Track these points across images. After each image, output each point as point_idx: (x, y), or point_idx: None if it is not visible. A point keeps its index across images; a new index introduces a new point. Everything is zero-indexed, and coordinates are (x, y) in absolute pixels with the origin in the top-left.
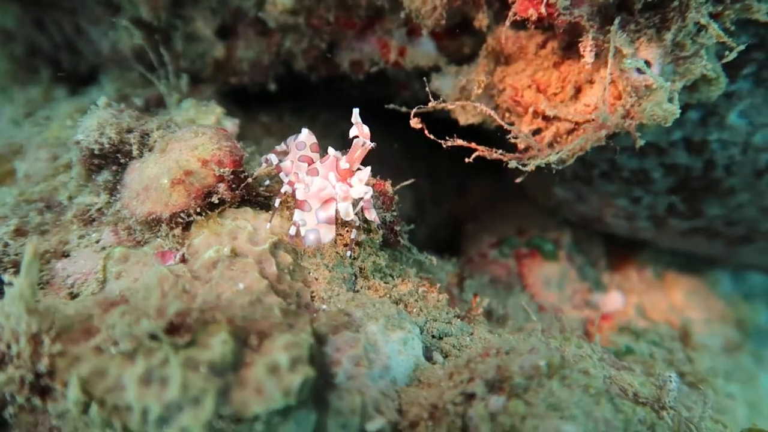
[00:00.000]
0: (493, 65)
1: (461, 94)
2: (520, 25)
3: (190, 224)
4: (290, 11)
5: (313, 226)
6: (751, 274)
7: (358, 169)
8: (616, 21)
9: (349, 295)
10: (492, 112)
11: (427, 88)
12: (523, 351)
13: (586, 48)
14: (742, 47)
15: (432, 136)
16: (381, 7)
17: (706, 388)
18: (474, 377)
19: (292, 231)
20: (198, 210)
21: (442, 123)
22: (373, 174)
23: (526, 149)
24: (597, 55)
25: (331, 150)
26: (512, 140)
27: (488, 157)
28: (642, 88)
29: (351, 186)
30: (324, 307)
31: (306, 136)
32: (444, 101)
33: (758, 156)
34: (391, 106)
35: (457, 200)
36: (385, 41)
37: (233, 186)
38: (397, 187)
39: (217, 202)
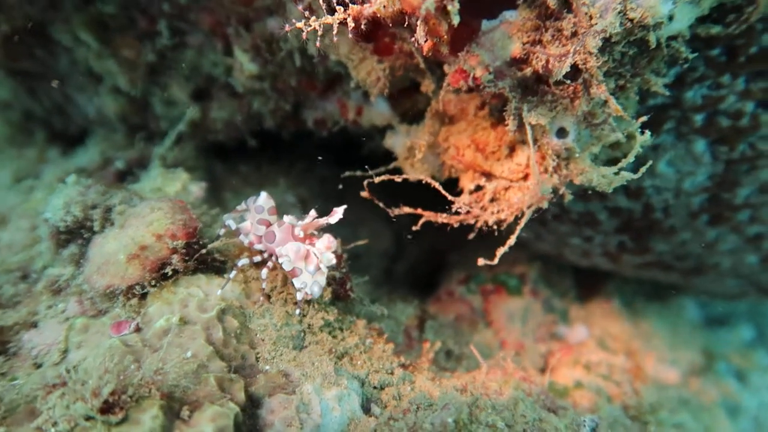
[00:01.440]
0: (438, 125)
1: (409, 153)
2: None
3: (146, 294)
4: (256, 77)
5: (310, 281)
6: (716, 301)
7: (312, 234)
8: (525, 108)
9: (292, 354)
10: (429, 179)
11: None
12: (438, 407)
13: (509, 117)
14: (644, 119)
15: (381, 204)
16: (338, 73)
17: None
18: None
19: (300, 296)
20: (152, 281)
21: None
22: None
23: (469, 212)
24: (521, 123)
25: (287, 217)
26: (456, 207)
27: (434, 222)
28: (562, 151)
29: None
30: (267, 368)
31: (264, 199)
32: (394, 159)
33: (690, 200)
34: (347, 173)
35: (441, 234)
36: (344, 102)
37: (186, 257)
38: (351, 246)
39: (170, 273)
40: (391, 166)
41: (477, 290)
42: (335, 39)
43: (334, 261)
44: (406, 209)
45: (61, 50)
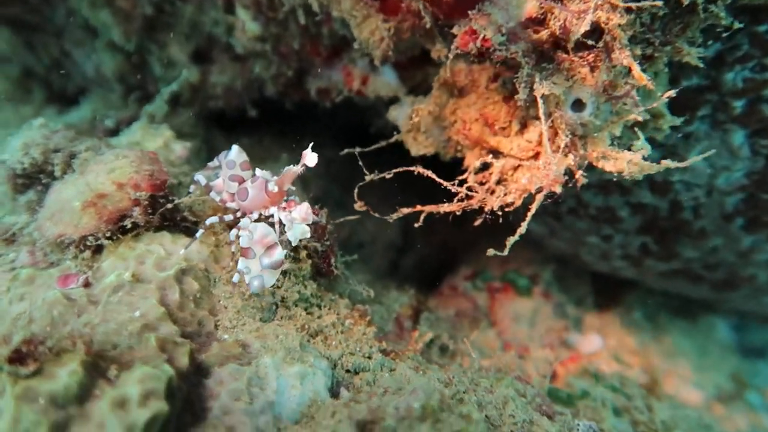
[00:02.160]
0: (447, 97)
1: (412, 126)
2: (470, 58)
3: (102, 248)
4: (258, 38)
5: (257, 272)
6: (752, 325)
7: (292, 200)
8: (537, 76)
9: (256, 325)
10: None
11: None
12: (406, 391)
13: (521, 85)
14: (672, 93)
15: (376, 214)
16: (344, 38)
17: None
18: (350, 417)
19: (236, 279)
20: (107, 234)
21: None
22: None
23: (473, 196)
24: (533, 93)
25: (259, 171)
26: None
27: (435, 213)
28: (578, 127)
29: (283, 210)
30: (225, 336)
31: (236, 153)
32: (397, 133)
33: (724, 199)
34: (346, 150)
35: (454, 229)
36: (349, 69)
37: (149, 211)
38: (340, 220)
39: (130, 226)
40: (393, 139)
41: (483, 287)
42: None
43: (308, 234)
44: (404, 210)
45: None
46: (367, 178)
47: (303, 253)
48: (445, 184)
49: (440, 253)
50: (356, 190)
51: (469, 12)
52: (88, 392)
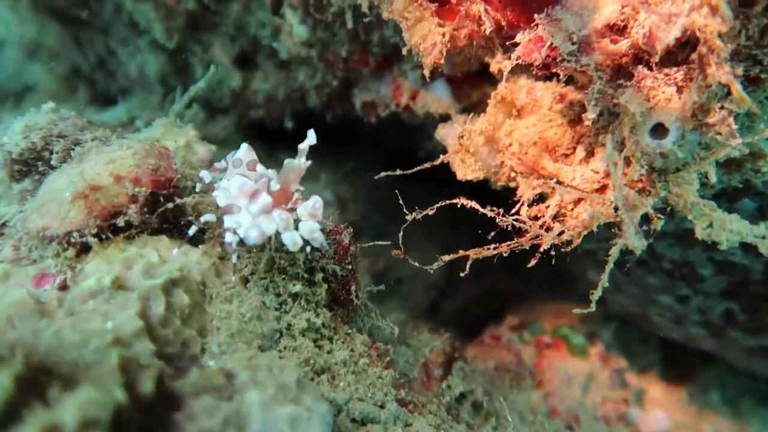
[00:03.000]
0: (503, 117)
1: (461, 144)
2: (533, 72)
3: (89, 247)
4: (304, 43)
5: (250, 223)
6: None
7: (298, 192)
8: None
9: (250, 353)
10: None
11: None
12: None
13: (590, 102)
14: None
15: (416, 263)
16: (396, 47)
17: None
18: None
19: (229, 238)
20: (94, 230)
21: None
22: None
23: (524, 232)
24: (602, 113)
25: (260, 167)
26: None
27: (480, 256)
28: (656, 157)
29: (290, 211)
30: (210, 363)
31: (244, 152)
32: (444, 154)
33: None
34: (383, 174)
35: (505, 275)
36: (399, 83)
37: (147, 210)
38: (369, 244)
39: (123, 224)
40: (438, 160)
41: (531, 340)
42: None
43: (317, 235)
44: (446, 258)
45: None
46: (409, 217)
47: (319, 276)
48: (490, 213)
49: (487, 300)
50: (401, 234)
51: (536, 16)
52: (14, 414)
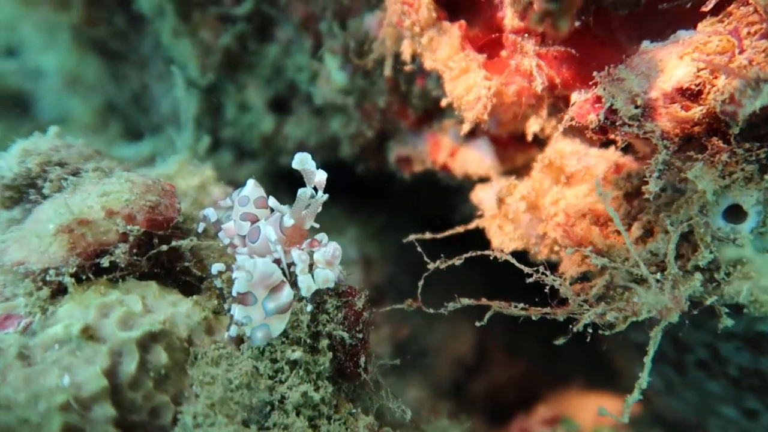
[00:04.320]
0: (549, 183)
1: (499, 210)
2: (589, 138)
3: (66, 289)
4: (342, 90)
5: (260, 321)
6: None
7: (317, 239)
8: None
9: (231, 428)
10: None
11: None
12: None
13: (652, 174)
14: None
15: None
16: (438, 99)
17: None
18: None
19: (233, 332)
20: (73, 269)
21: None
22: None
23: (564, 302)
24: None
25: (272, 201)
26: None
27: (505, 312)
28: (728, 243)
29: (306, 251)
30: None
31: (251, 189)
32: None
33: None
34: (412, 237)
35: (541, 359)
36: (437, 138)
37: (137, 252)
38: (386, 308)
39: (107, 265)
40: (473, 224)
41: None
42: (433, 36)
43: (331, 282)
44: (465, 301)
45: (141, 23)
46: (431, 266)
47: (323, 342)
48: (527, 269)
49: (519, 384)
50: (420, 285)
51: (596, 74)
52: None
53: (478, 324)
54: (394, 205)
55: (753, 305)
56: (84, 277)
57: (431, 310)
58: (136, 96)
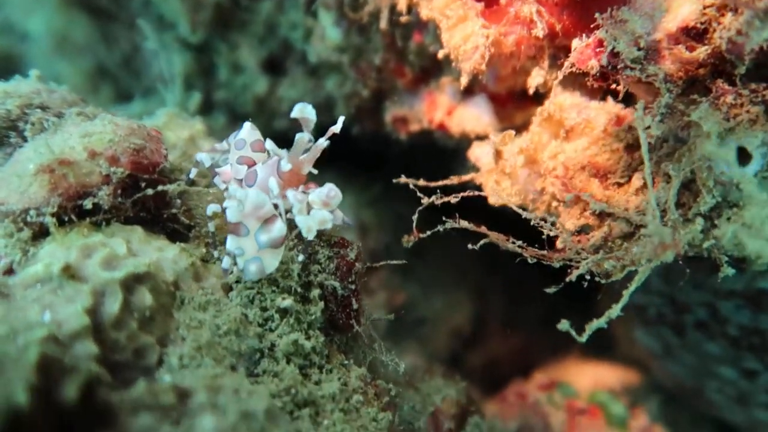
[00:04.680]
0: (548, 137)
1: (496, 165)
2: (589, 90)
3: (47, 231)
4: (337, 47)
5: (253, 253)
6: None
7: (312, 176)
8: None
9: (216, 371)
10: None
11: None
12: None
13: (655, 117)
14: None
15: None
16: (435, 57)
17: None
18: None
19: (226, 264)
20: (57, 210)
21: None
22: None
23: (561, 249)
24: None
25: (269, 143)
26: (545, 231)
27: (501, 246)
28: (732, 189)
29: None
30: (166, 378)
31: (247, 132)
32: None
33: None
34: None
35: (538, 330)
36: (434, 97)
37: (121, 195)
38: (379, 264)
39: (90, 207)
40: (468, 177)
41: (562, 403)
42: None
43: (329, 223)
44: (464, 223)
45: None
46: (424, 201)
47: (315, 292)
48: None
49: (517, 356)
50: (415, 216)
51: (598, 16)
52: None
53: (470, 246)
54: (390, 173)
55: (737, 248)
56: (66, 219)
57: (428, 233)
58: (126, 58)
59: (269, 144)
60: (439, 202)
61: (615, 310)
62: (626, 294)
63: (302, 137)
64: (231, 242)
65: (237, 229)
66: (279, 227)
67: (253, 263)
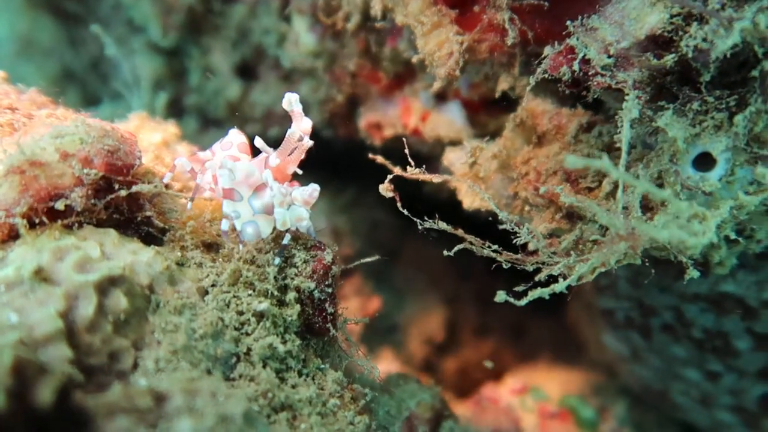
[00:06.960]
0: (521, 142)
1: (470, 170)
2: (560, 97)
3: (18, 234)
4: (311, 53)
5: (249, 217)
6: None
7: (296, 175)
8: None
9: (192, 374)
10: (488, 200)
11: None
12: None
13: (623, 124)
14: None
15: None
16: (410, 62)
17: None
18: None
19: (225, 226)
20: (24, 209)
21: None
22: None
23: (534, 252)
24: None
25: (258, 141)
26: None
27: (477, 252)
28: (697, 194)
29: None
30: (141, 381)
31: (234, 135)
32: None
33: None
34: (380, 158)
35: (510, 337)
36: (409, 103)
37: (94, 197)
38: (352, 264)
39: (62, 209)
40: (440, 178)
41: (534, 407)
42: None
43: (305, 222)
44: (442, 224)
45: None
46: (396, 172)
47: (291, 295)
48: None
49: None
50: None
51: (569, 23)
52: None
53: (445, 253)
54: (363, 179)
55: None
56: (37, 222)
57: (419, 223)
58: (94, 61)
59: (258, 141)
60: (408, 175)
61: (561, 285)
62: (576, 272)
63: (293, 132)
64: (227, 206)
65: (231, 195)
66: (269, 194)
67: (250, 225)
